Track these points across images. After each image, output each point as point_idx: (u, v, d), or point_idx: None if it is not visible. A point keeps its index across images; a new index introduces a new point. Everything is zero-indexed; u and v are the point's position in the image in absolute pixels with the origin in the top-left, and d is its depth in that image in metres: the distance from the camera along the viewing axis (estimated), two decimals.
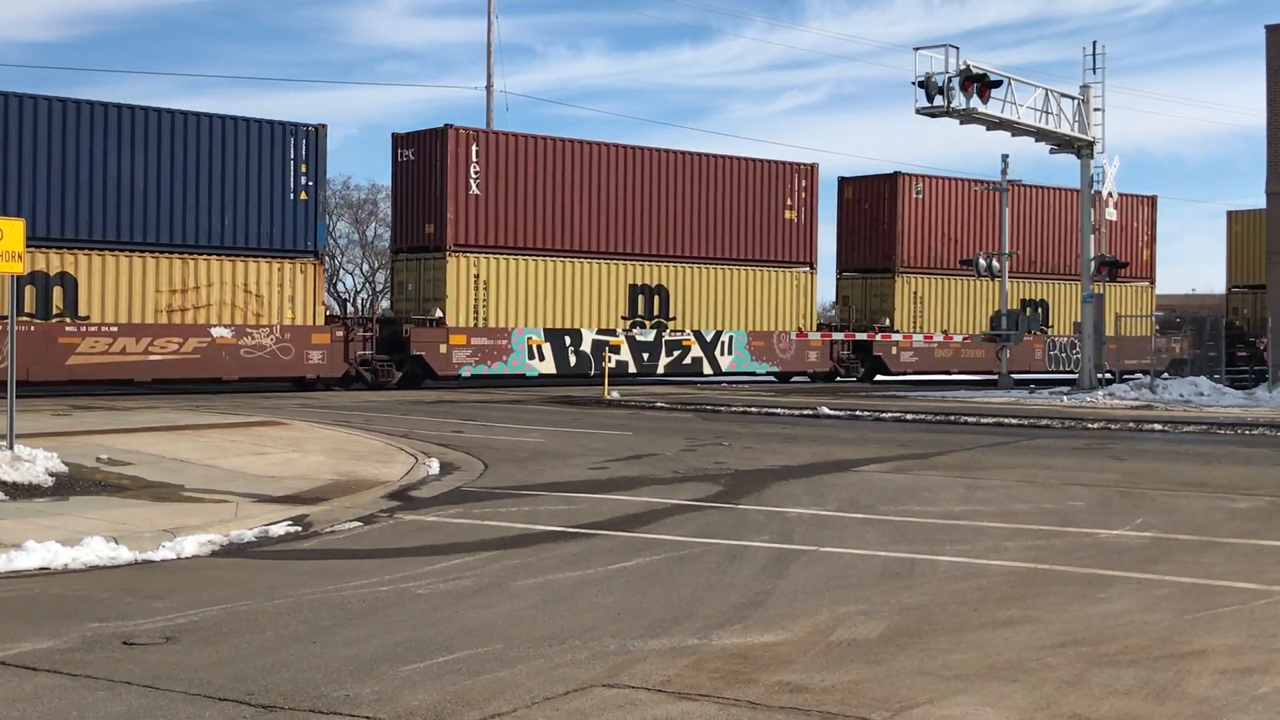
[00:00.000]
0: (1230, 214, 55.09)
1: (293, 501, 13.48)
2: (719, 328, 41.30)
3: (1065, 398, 33.69)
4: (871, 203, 45.87)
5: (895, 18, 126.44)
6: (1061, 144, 36.42)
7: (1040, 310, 48.57)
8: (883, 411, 27.77)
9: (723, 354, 41.50)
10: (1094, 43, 37.36)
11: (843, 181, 47.31)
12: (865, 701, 6.48)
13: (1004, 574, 9.88)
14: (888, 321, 45.38)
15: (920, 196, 45.69)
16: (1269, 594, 9.14)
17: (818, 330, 43.85)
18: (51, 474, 14.17)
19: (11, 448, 14.56)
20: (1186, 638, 7.85)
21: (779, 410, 27.92)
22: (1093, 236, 36.75)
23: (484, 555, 10.59)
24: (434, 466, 16.68)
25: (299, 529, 11.94)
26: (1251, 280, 53.02)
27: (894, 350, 45.19)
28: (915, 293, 45.70)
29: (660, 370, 40.21)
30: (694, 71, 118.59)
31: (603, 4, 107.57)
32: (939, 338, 46.47)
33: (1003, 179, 41.89)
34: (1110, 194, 36.89)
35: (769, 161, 42.94)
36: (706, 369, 41.22)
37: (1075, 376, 39.75)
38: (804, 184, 43.30)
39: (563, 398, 32.38)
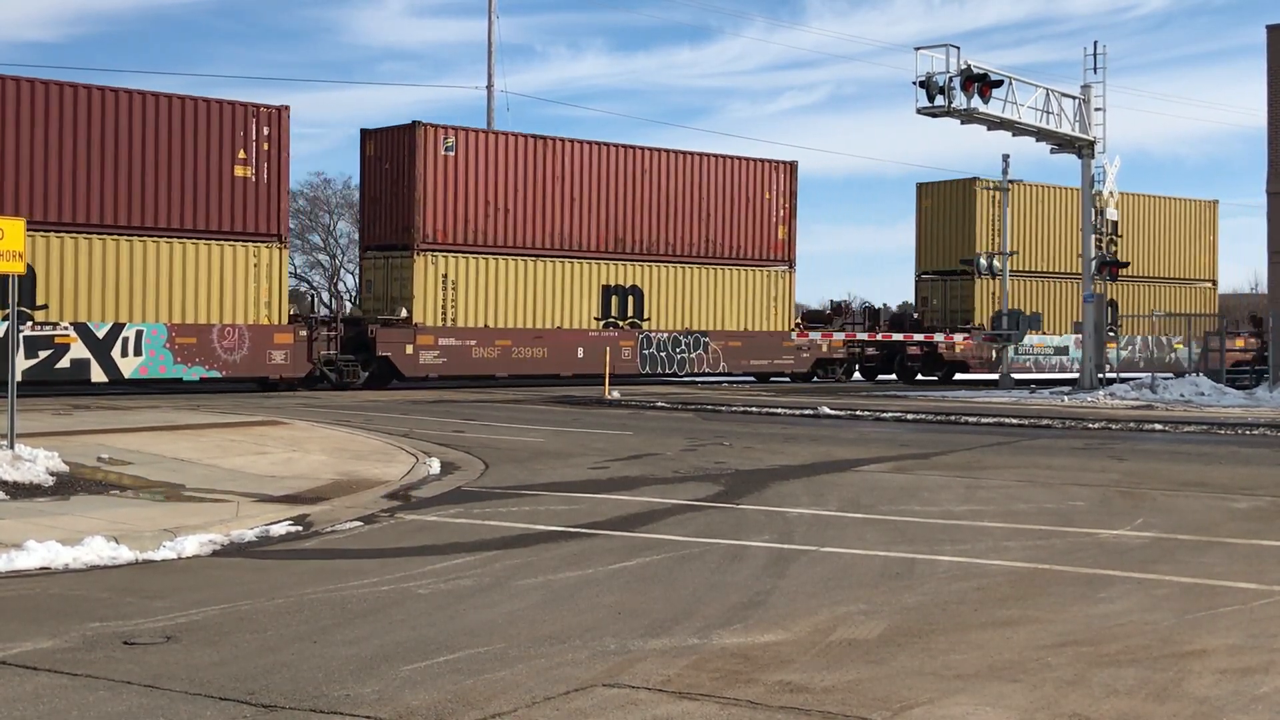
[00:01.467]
0: (920, 187, 48.93)
1: (293, 501, 13.48)
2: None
3: (1066, 398, 33.69)
4: (392, 162, 36.23)
5: (895, 18, 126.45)
6: (1062, 144, 36.42)
7: (635, 298, 39.07)
8: (883, 411, 27.78)
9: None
10: (1095, 42, 37.44)
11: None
12: (865, 701, 6.49)
13: (1004, 574, 9.88)
14: (404, 312, 35.74)
15: (451, 154, 35.95)
16: (1269, 594, 9.14)
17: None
18: (52, 473, 14.17)
19: (12, 447, 14.56)
20: (1187, 638, 7.85)
21: (779, 410, 27.93)
22: (1093, 236, 36.75)
23: (485, 555, 10.59)
24: (435, 466, 16.68)
25: (300, 529, 11.94)
26: (943, 265, 46.95)
27: (409, 349, 35.13)
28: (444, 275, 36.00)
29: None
30: (694, 71, 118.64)
31: (602, 4, 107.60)
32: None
33: (1004, 179, 41.89)
34: (1112, 193, 36.90)
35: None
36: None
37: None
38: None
39: (564, 397, 32.39)
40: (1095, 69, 36.37)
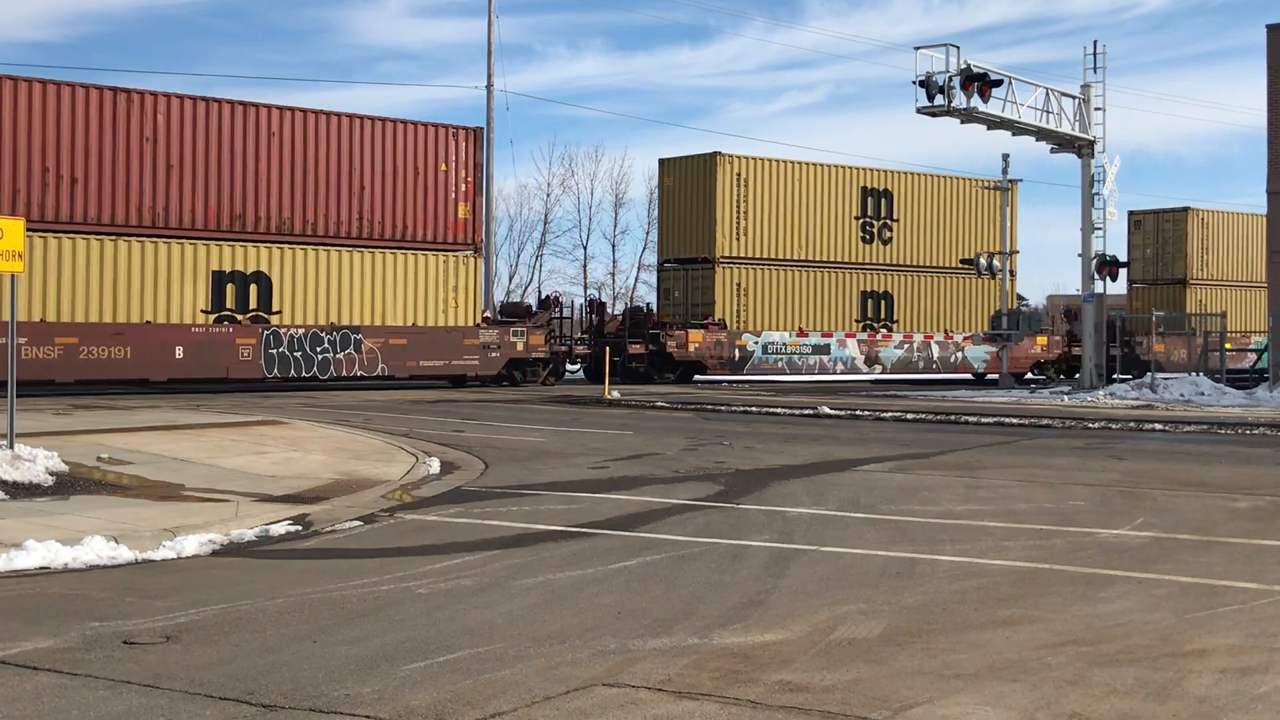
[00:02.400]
0: (662, 163, 44.91)
1: (293, 501, 13.48)
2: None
3: (1066, 397, 33.71)
4: None
5: (895, 18, 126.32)
6: (1062, 143, 36.44)
7: (260, 286, 32.94)
8: (883, 411, 27.79)
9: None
10: (1094, 42, 37.46)
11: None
12: (865, 701, 6.48)
13: (1004, 573, 9.88)
14: None
15: None
16: (1269, 594, 9.13)
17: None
18: (52, 473, 14.17)
19: (12, 447, 14.56)
20: (1187, 637, 7.85)
21: (780, 410, 27.93)
22: (1093, 236, 36.76)
23: (485, 554, 10.59)
24: (434, 466, 16.68)
25: (299, 528, 11.94)
26: (685, 253, 43.00)
27: None
28: None
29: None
30: (693, 71, 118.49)
31: (601, 3, 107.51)
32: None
33: (1004, 179, 41.89)
34: (1112, 193, 36.91)
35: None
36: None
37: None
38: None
39: (563, 397, 32.39)
40: (1095, 68, 36.44)
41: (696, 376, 42.25)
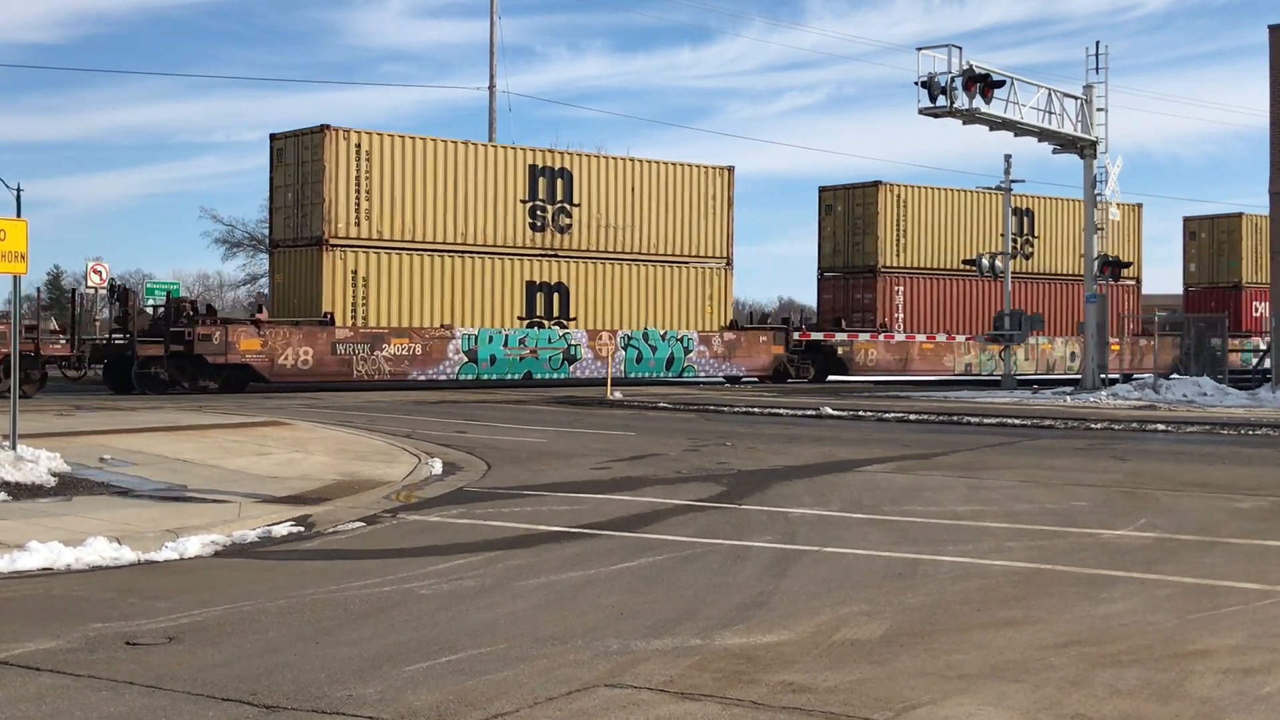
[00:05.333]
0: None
1: (295, 502, 13.48)
2: None
3: (1068, 398, 33.69)
4: None
5: (895, 19, 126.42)
6: (1064, 144, 36.40)
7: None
8: (886, 412, 27.78)
9: None
10: (1097, 42, 37.30)
11: None
12: (868, 702, 6.48)
13: (1007, 574, 9.88)
14: None
15: None
16: (1272, 594, 9.13)
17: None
18: (54, 474, 14.18)
19: (14, 448, 14.58)
20: (1189, 638, 7.84)
21: (782, 410, 27.93)
22: (1096, 236, 36.75)
23: (487, 555, 10.59)
24: (437, 467, 16.68)
25: (302, 529, 11.94)
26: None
27: None
28: None
29: None
30: (694, 72, 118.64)
31: (602, 5, 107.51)
32: None
33: (1005, 179, 41.86)
34: (1114, 193, 36.89)
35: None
36: None
37: None
38: None
39: (566, 398, 32.40)
40: (1097, 69, 36.39)
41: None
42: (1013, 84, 33.81)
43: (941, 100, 31.91)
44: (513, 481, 15.53)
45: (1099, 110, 36.23)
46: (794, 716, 6.26)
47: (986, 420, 26.22)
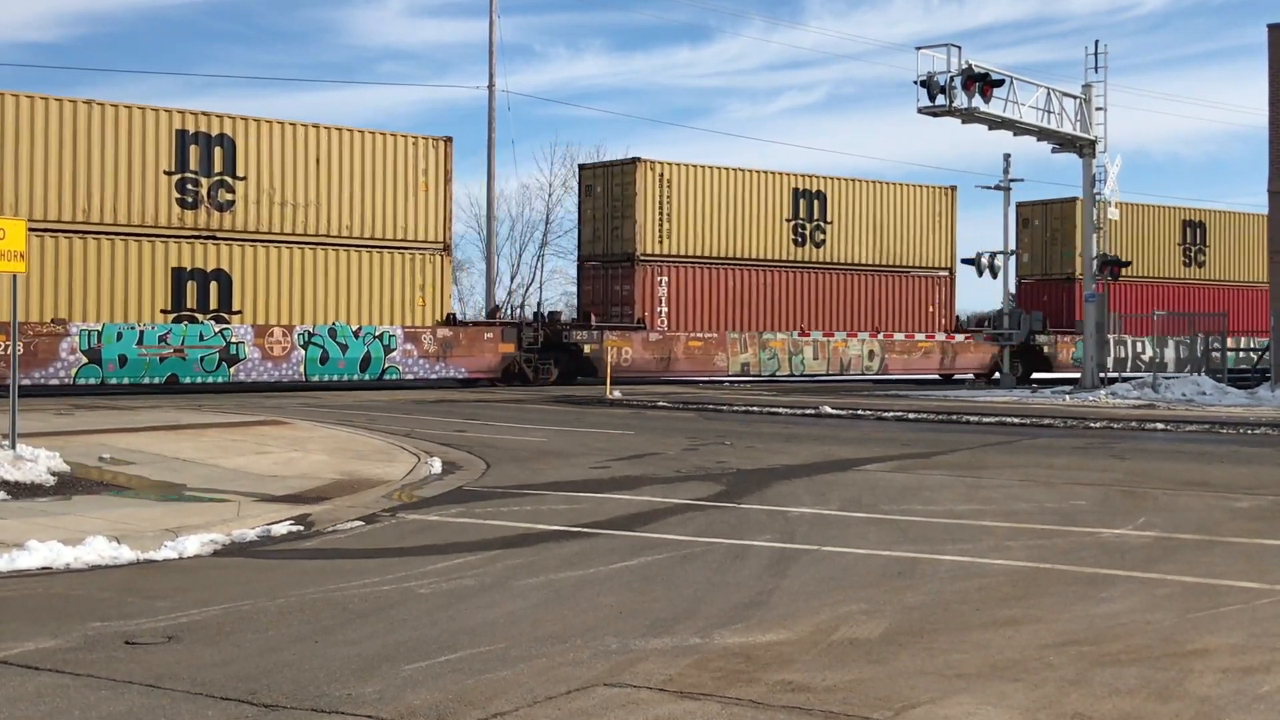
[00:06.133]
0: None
1: (295, 501, 13.48)
2: None
3: (1067, 397, 33.69)
4: None
5: (894, 18, 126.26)
6: (1063, 143, 36.42)
7: None
8: (885, 411, 27.78)
9: None
10: (1096, 41, 37.35)
11: None
12: (867, 701, 6.48)
13: (1006, 573, 9.88)
14: None
15: None
16: (1271, 593, 9.13)
17: None
18: (54, 473, 14.18)
19: (14, 447, 14.57)
20: (1189, 637, 7.84)
21: (781, 410, 27.93)
22: (1095, 236, 36.75)
23: (486, 554, 10.59)
24: (436, 466, 16.68)
25: (301, 528, 11.94)
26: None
27: None
28: None
29: None
30: (693, 71, 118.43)
31: (601, 4, 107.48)
32: None
33: (1005, 179, 41.86)
34: (1114, 192, 36.89)
35: None
36: None
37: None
38: None
39: (565, 397, 32.40)
40: (1096, 68, 36.41)
41: None
42: (1012, 83, 33.83)
43: (941, 99, 31.94)
44: (512, 480, 15.53)
45: (1098, 109, 36.25)
46: (793, 715, 6.26)
47: (985, 419, 26.22)
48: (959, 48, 32.21)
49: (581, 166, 45.24)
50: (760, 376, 42.84)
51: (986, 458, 18.67)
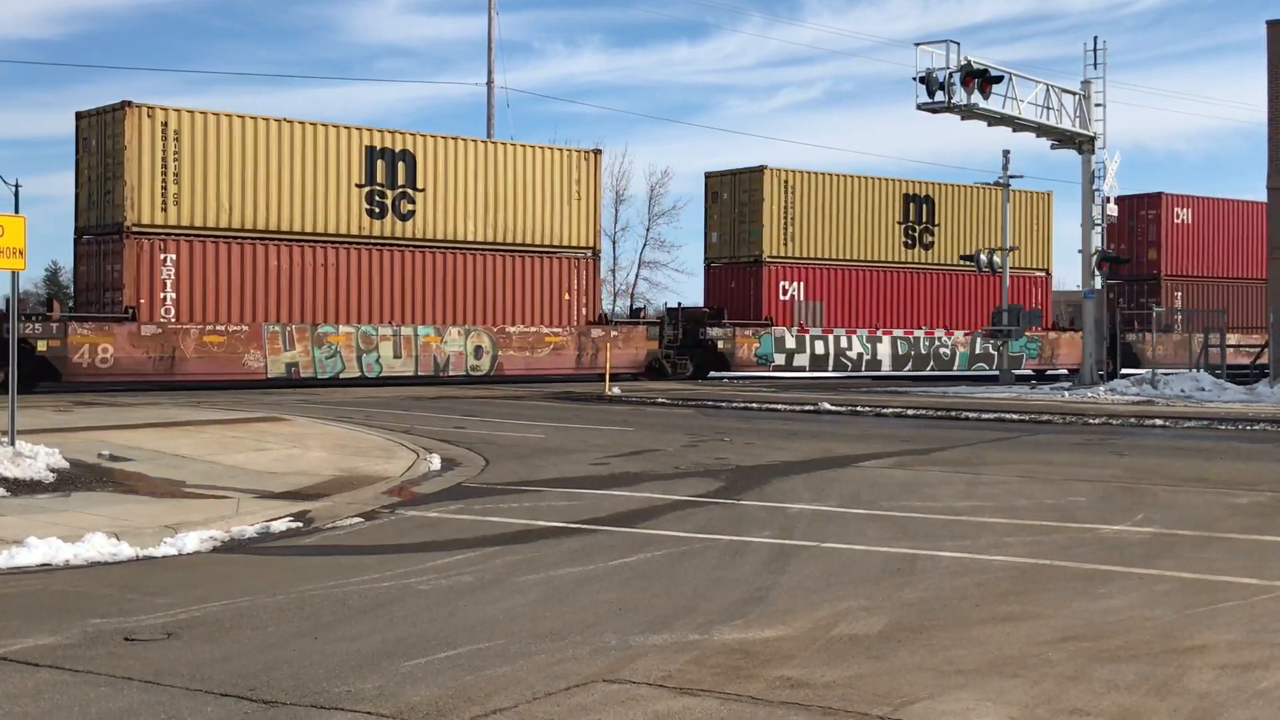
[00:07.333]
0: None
1: (294, 497, 13.48)
2: None
3: (1066, 393, 33.68)
4: None
5: (892, 15, 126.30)
6: (1063, 139, 36.39)
7: None
8: (884, 407, 27.78)
9: None
10: (1095, 38, 37.38)
11: None
12: (866, 697, 6.49)
13: (1005, 569, 9.88)
14: None
15: None
16: (1270, 589, 9.13)
17: None
18: (53, 470, 14.17)
19: (13, 444, 14.57)
20: (1188, 633, 7.85)
21: (780, 406, 27.93)
22: (1094, 232, 36.74)
23: (485, 551, 10.59)
24: (435, 462, 16.68)
25: (300, 525, 11.94)
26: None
27: None
28: None
29: None
30: (691, 68, 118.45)
31: (600, 1, 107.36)
32: None
33: (1004, 175, 41.85)
34: (1113, 188, 36.89)
35: None
36: None
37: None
38: None
39: (564, 393, 32.40)
40: (1095, 64, 36.38)
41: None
42: (1011, 79, 33.81)
43: (940, 96, 31.91)
44: (511, 477, 15.53)
45: (1097, 106, 36.22)
46: (792, 711, 6.26)
47: (984, 416, 26.21)
48: (958, 44, 32.22)
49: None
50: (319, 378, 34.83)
51: (985, 454, 18.67)
